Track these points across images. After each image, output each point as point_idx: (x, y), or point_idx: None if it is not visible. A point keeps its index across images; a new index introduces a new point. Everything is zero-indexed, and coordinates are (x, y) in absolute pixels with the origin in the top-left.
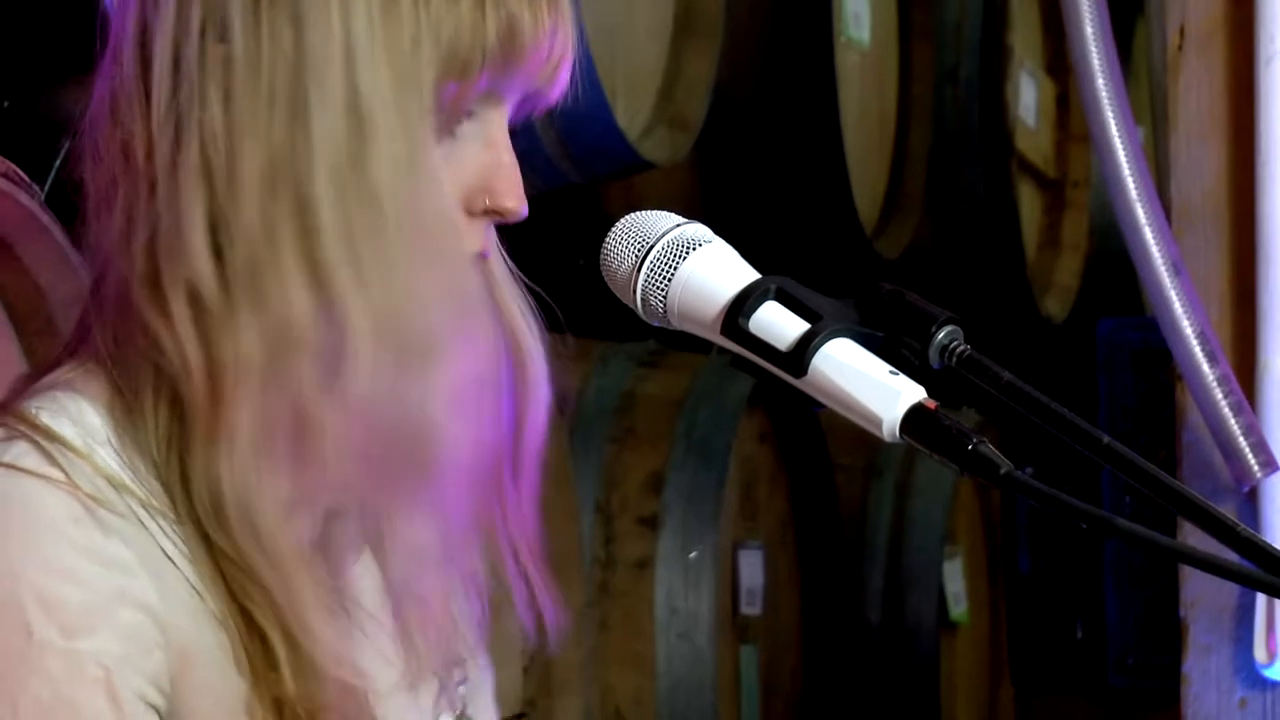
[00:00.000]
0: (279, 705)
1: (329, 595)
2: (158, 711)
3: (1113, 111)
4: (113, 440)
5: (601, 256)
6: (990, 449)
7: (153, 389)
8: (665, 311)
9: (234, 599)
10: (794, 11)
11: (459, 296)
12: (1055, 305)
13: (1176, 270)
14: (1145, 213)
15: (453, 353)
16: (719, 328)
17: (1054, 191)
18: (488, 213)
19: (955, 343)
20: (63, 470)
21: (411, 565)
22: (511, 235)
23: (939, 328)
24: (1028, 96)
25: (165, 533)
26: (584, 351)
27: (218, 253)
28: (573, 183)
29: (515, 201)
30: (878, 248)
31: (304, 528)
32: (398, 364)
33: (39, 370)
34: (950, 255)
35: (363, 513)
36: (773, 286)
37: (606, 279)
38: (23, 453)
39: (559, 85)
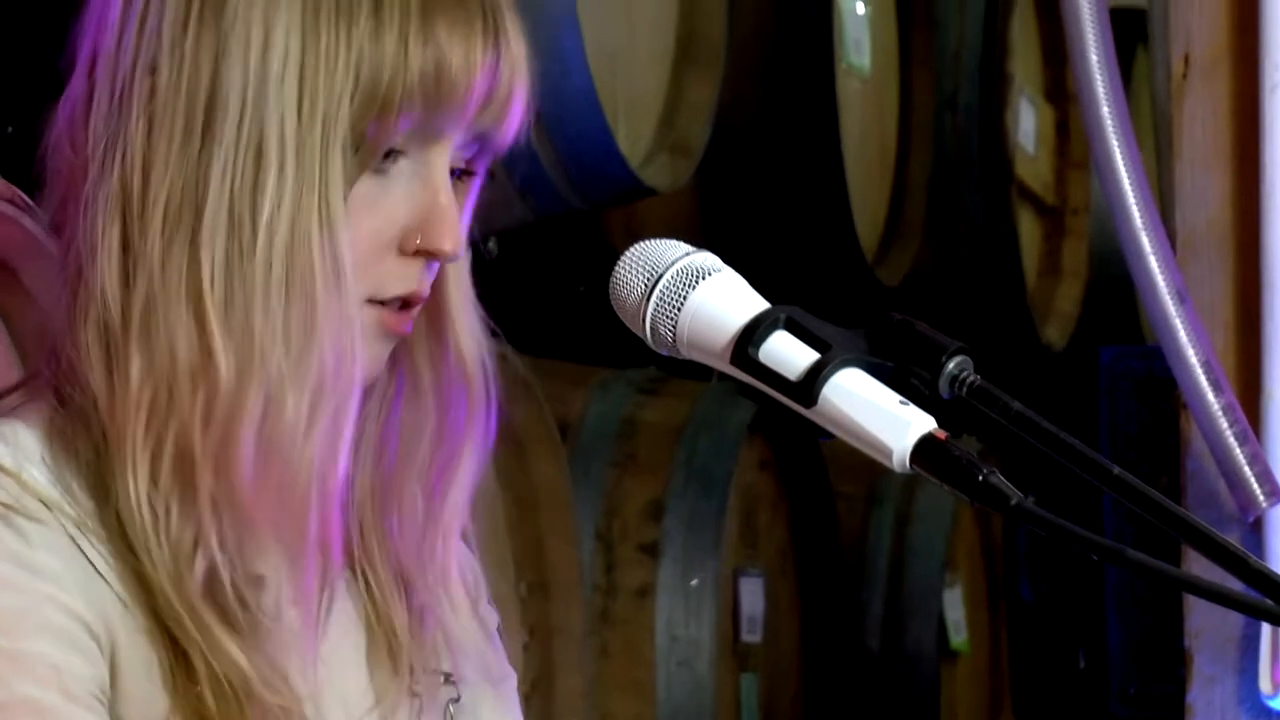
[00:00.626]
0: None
1: (243, 621)
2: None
3: (1117, 138)
4: (47, 460)
5: (611, 285)
6: (1001, 480)
7: (80, 413)
8: (674, 340)
9: (158, 616)
10: (795, 38)
11: (332, 340)
12: (1055, 333)
13: (1181, 299)
14: (1150, 241)
15: (322, 396)
16: (728, 357)
17: (1053, 218)
18: (420, 253)
19: (965, 373)
20: None
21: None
22: (513, 260)
23: (949, 358)
24: (1027, 123)
25: (95, 548)
26: (584, 377)
27: (127, 284)
28: (574, 208)
29: (450, 244)
30: (878, 275)
31: (201, 560)
32: (265, 405)
33: None
34: (950, 282)
35: (240, 548)
36: (782, 316)
37: (615, 307)
38: None
39: (509, 126)
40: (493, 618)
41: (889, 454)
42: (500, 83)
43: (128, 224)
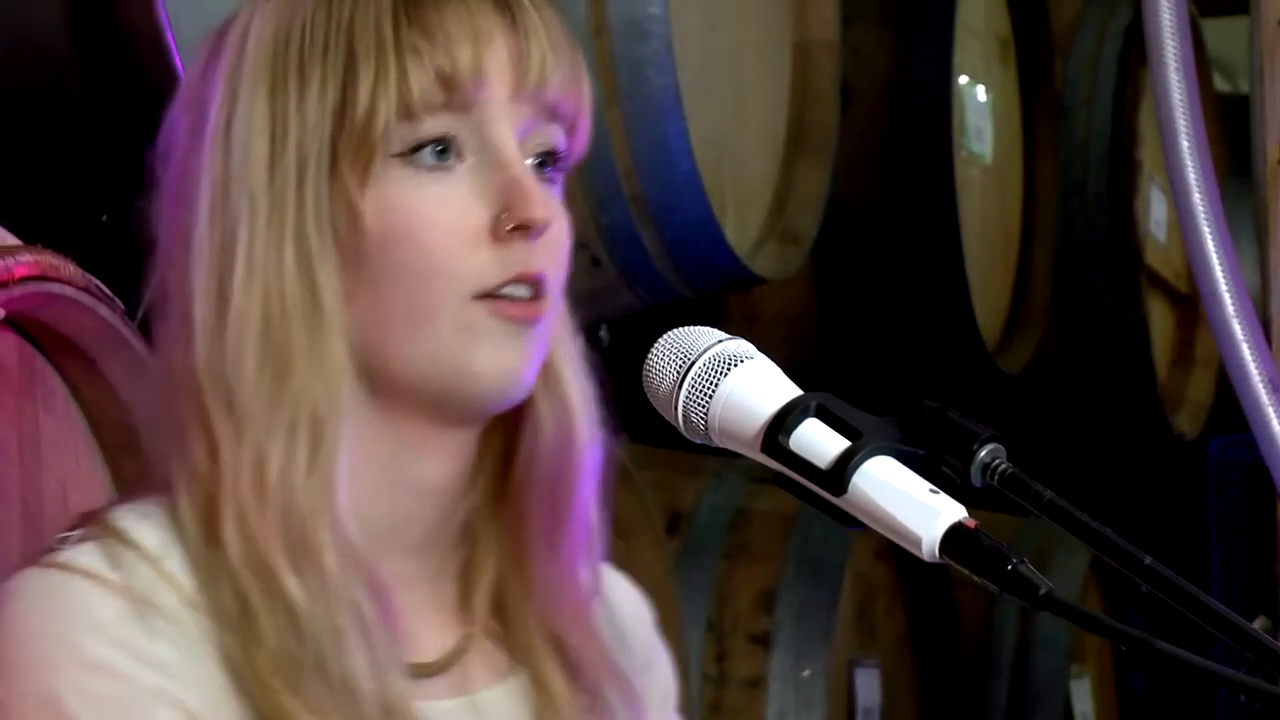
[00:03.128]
0: None
1: (316, 694)
2: None
3: (1208, 225)
4: (193, 548)
5: (644, 373)
6: (1029, 569)
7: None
8: (706, 428)
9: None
10: (913, 126)
11: (306, 375)
12: (1188, 422)
13: (1275, 387)
14: (1242, 329)
15: (301, 436)
16: (759, 445)
17: (1186, 306)
18: (516, 231)
19: (997, 461)
20: (120, 572)
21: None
22: (627, 348)
23: (981, 445)
24: (1158, 211)
25: (224, 637)
26: (698, 466)
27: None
28: (682, 297)
29: (538, 210)
30: (999, 363)
31: (252, 631)
32: (256, 461)
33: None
34: (1076, 371)
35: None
36: (813, 404)
37: (649, 395)
38: (83, 554)
39: (565, 98)
40: None
41: (918, 543)
42: (531, 59)
43: (155, 321)
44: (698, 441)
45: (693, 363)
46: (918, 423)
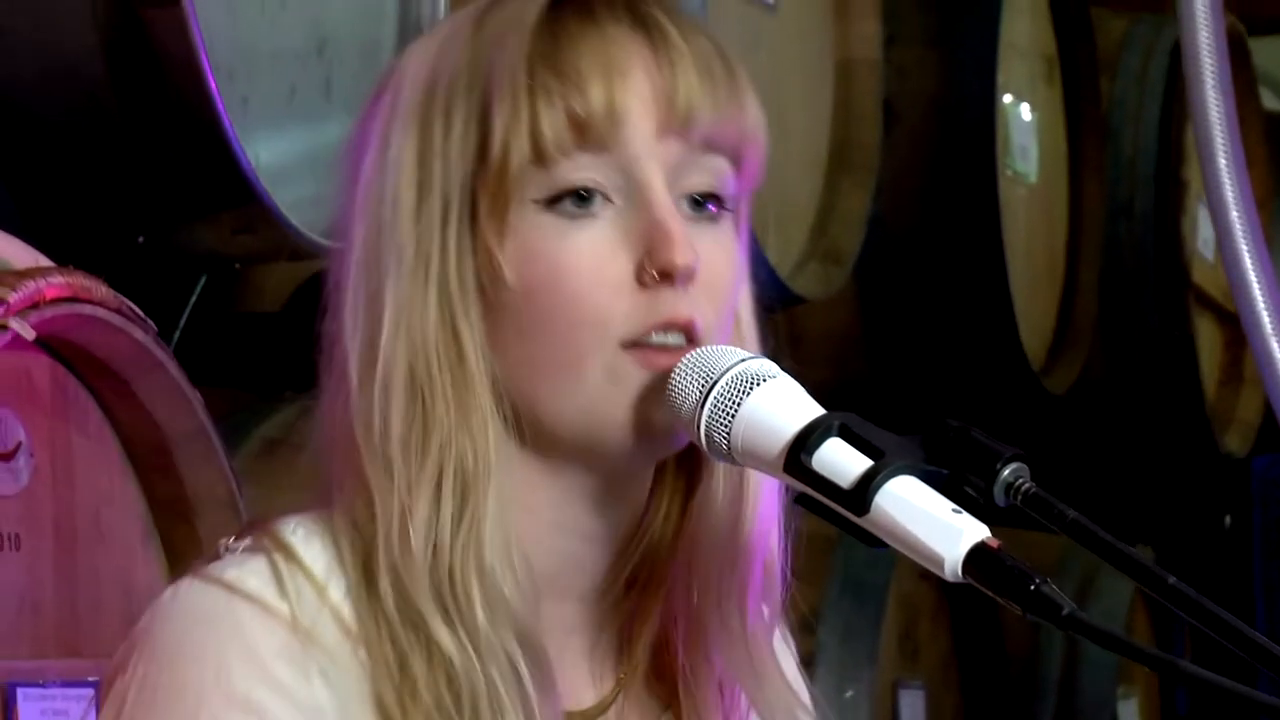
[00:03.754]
0: None
1: None
2: None
3: (1246, 243)
4: (353, 583)
5: (667, 393)
6: (1053, 589)
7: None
8: (729, 448)
9: None
10: (957, 145)
11: (457, 427)
12: (1236, 441)
13: None
14: None
15: (448, 490)
16: (782, 465)
17: (1234, 326)
18: (662, 278)
19: (1021, 480)
20: (289, 601)
21: None
22: None
23: (1004, 464)
24: (1206, 231)
25: (386, 675)
26: None
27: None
28: None
29: (679, 257)
30: (1045, 383)
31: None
32: (400, 515)
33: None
34: (1123, 391)
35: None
36: (836, 423)
37: (671, 415)
38: (252, 573)
39: (726, 128)
40: None
41: (940, 563)
42: (677, 91)
43: (321, 372)
44: (720, 462)
45: (715, 382)
46: (941, 442)
